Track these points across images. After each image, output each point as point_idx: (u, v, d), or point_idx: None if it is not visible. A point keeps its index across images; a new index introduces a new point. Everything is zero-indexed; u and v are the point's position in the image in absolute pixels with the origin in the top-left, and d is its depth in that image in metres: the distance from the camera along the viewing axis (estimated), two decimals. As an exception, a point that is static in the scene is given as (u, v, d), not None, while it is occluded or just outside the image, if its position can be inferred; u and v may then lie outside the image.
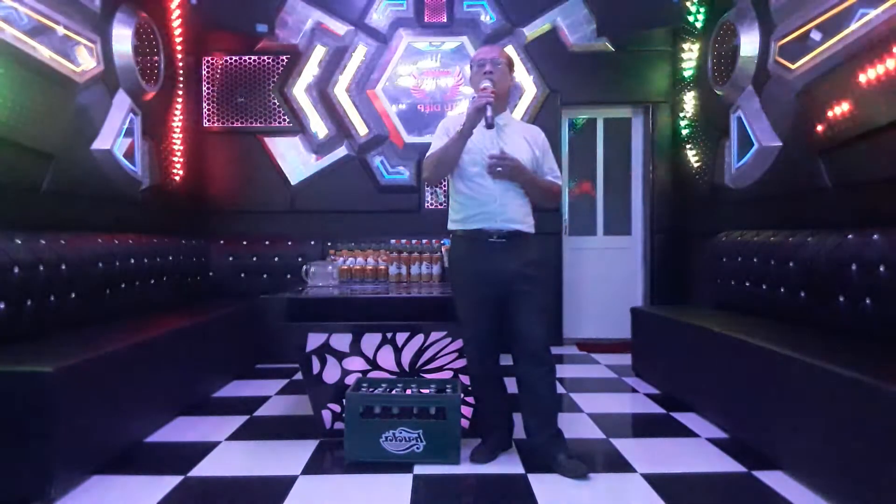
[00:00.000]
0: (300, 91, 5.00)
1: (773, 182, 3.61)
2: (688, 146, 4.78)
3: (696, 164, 4.66)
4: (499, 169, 2.36)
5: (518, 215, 2.43)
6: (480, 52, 2.56)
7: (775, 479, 2.31)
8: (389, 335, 2.76)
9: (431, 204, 5.08)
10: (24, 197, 2.92)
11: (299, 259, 4.45)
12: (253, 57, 4.99)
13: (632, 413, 3.34)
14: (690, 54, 4.71)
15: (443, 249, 3.28)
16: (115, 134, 3.62)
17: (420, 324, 2.75)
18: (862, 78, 2.81)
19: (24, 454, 2.06)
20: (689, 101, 4.76)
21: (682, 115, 4.89)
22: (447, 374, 2.80)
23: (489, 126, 2.29)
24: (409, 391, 2.63)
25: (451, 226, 2.55)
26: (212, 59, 4.99)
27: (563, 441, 2.47)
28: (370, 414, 2.50)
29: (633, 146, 5.24)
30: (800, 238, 3.08)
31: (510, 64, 2.56)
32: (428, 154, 2.53)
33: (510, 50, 5.01)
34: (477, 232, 2.43)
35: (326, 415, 2.78)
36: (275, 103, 5.01)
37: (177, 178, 4.50)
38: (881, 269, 2.48)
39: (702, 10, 4.54)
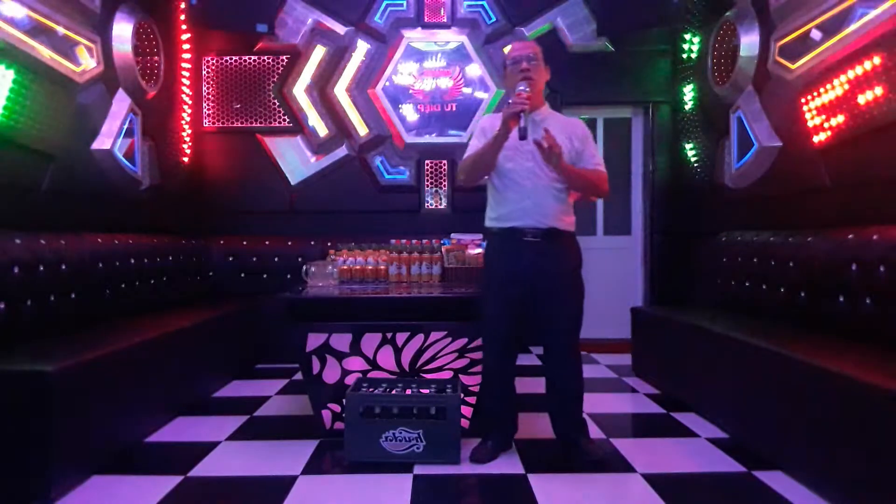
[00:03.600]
0: (300, 91, 5.00)
1: (773, 182, 3.61)
2: (688, 146, 4.78)
3: (696, 164, 4.66)
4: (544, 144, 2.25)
5: (553, 212, 2.40)
6: (515, 48, 2.50)
7: (775, 479, 2.31)
8: (389, 335, 2.76)
9: (431, 204, 5.08)
10: (24, 197, 2.92)
11: (299, 259, 4.44)
12: (253, 57, 4.99)
13: (632, 413, 3.34)
14: (690, 54, 4.71)
15: (443, 249, 3.28)
16: (115, 134, 3.61)
17: (420, 324, 2.75)
18: (862, 77, 2.81)
19: (24, 454, 2.06)
20: (689, 101, 4.76)
21: (682, 115, 4.89)
22: (447, 374, 2.80)
23: (522, 137, 2.23)
24: (409, 391, 2.63)
25: (487, 223, 2.54)
26: (212, 59, 4.99)
27: (585, 427, 2.59)
28: (370, 414, 2.49)
29: (633, 146, 5.24)
30: (800, 238, 3.08)
31: (544, 58, 2.50)
32: (465, 155, 2.51)
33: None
34: (511, 230, 2.42)
35: (326, 415, 2.78)
36: (275, 103, 5.01)
37: (177, 178, 4.50)
38: (881, 269, 2.47)
39: (702, 10, 4.54)
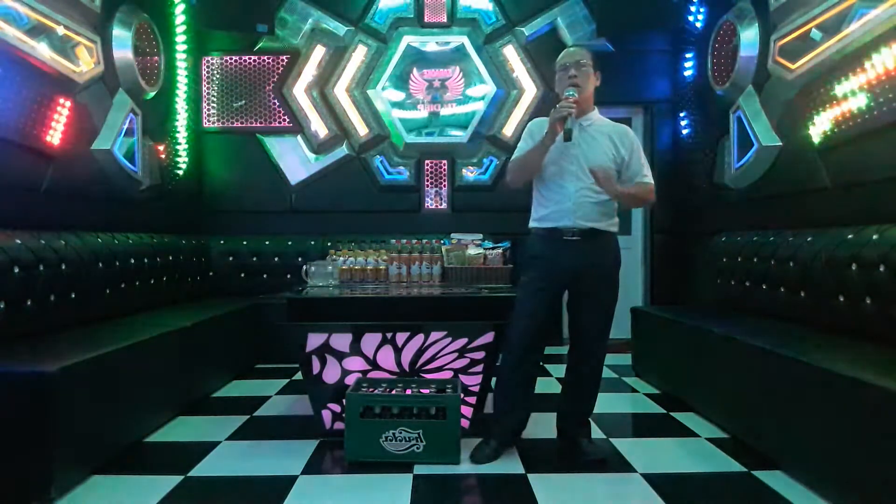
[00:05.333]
0: (300, 91, 4.99)
1: (773, 182, 3.61)
2: (687, 146, 4.78)
3: (695, 164, 4.66)
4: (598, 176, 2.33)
5: (593, 213, 2.42)
6: (564, 54, 2.52)
7: (775, 479, 2.32)
8: (389, 335, 2.76)
9: (431, 204, 5.08)
10: (24, 197, 2.92)
11: (299, 259, 4.45)
12: (253, 57, 4.99)
13: (632, 413, 3.34)
14: (690, 54, 4.71)
15: (443, 249, 3.28)
16: (115, 134, 3.62)
17: (420, 324, 2.75)
18: (862, 77, 2.81)
19: (24, 454, 2.06)
20: (689, 100, 4.76)
21: (681, 114, 4.89)
22: (447, 374, 2.80)
23: (567, 139, 2.28)
24: (409, 391, 2.63)
25: (530, 223, 2.57)
26: (212, 59, 4.99)
27: (589, 429, 2.65)
28: (370, 414, 2.49)
29: (633, 146, 5.24)
30: (800, 238, 3.08)
31: (595, 63, 2.52)
32: (513, 157, 2.55)
33: (510, 50, 5.01)
34: (551, 230, 2.45)
35: (326, 415, 2.78)
36: (275, 103, 5.01)
37: (177, 177, 4.50)
38: (881, 269, 2.47)
39: (702, 10, 4.54)
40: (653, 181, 2.54)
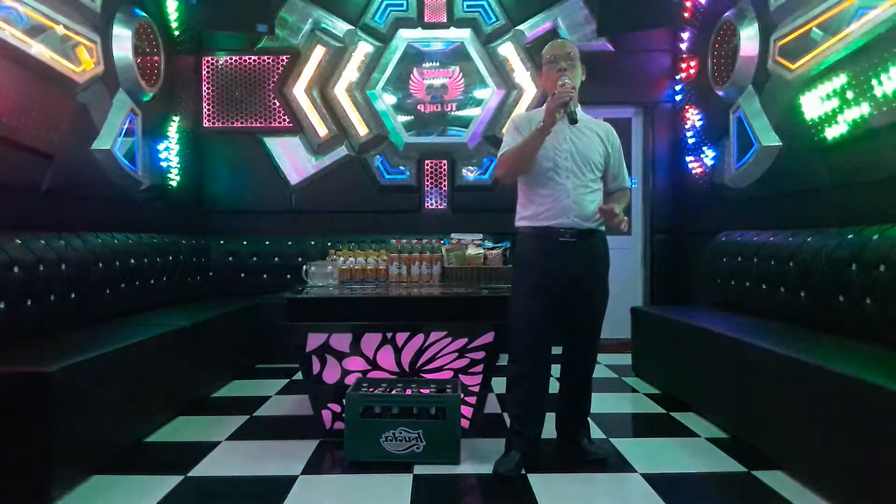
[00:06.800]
0: (300, 91, 5.00)
1: (773, 182, 3.61)
2: (688, 146, 4.78)
3: (695, 165, 4.66)
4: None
5: (589, 212, 2.40)
6: (552, 47, 2.48)
7: (775, 479, 2.31)
8: (389, 335, 2.76)
9: (431, 204, 5.08)
10: (24, 197, 2.92)
11: (299, 259, 4.45)
12: (253, 57, 4.99)
13: (632, 413, 3.34)
14: (690, 54, 4.71)
15: (443, 249, 3.28)
16: (115, 134, 3.62)
17: (420, 324, 2.75)
18: (862, 77, 2.81)
19: (24, 454, 2.06)
20: (689, 100, 4.76)
21: (681, 115, 4.89)
22: (447, 374, 2.80)
23: (573, 121, 2.24)
24: (409, 391, 2.63)
25: (519, 223, 2.52)
26: (212, 59, 4.99)
27: (588, 428, 2.65)
28: (370, 414, 2.49)
29: (632, 146, 5.24)
30: (800, 238, 3.08)
31: (581, 57, 2.48)
32: (502, 152, 2.49)
33: (510, 49, 5.01)
34: (547, 229, 2.40)
35: (326, 415, 2.78)
36: (275, 103, 5.01)
37: (177, 177, 4.50)
38: (881, 269, 2.47)
39: (702, 9, 4.54)
40: (629, 185, 2.62)
